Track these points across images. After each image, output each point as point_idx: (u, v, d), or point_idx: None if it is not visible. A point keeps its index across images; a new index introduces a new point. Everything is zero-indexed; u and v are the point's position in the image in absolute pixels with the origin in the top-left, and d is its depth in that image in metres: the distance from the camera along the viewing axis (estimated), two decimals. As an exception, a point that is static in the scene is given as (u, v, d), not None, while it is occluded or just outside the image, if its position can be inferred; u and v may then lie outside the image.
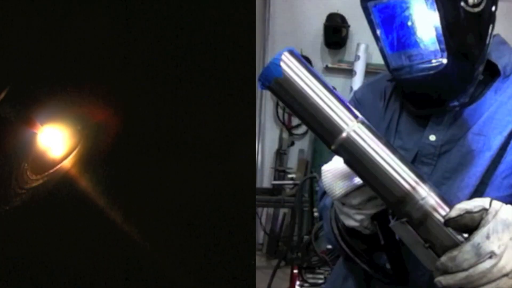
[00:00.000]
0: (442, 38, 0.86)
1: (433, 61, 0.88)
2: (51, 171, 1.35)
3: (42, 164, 1.37)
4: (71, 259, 1.28)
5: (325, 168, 0.80)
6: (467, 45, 0.87)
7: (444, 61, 0.87)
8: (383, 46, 0.93)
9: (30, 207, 1.32)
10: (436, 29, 0.86)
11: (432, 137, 0.93)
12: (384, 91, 1.04)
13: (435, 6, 0.84)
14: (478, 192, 0.87)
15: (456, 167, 0.90)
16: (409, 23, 0.89)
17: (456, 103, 0.91)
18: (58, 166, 1.34)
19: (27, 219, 1.32)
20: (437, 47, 0.87)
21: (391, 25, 0.90)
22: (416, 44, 0.90)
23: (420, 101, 0.96)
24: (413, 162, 0.93)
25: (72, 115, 1.35)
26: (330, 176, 0.79)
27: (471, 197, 0.85)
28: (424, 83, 0.91)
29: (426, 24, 0.87)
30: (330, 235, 0.93)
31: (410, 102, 0.98)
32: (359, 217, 0.81)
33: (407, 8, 0.88)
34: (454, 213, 0.66)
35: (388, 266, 0.85)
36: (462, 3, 0.83)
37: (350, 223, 0.83)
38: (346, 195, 0.79)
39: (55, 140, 1.37)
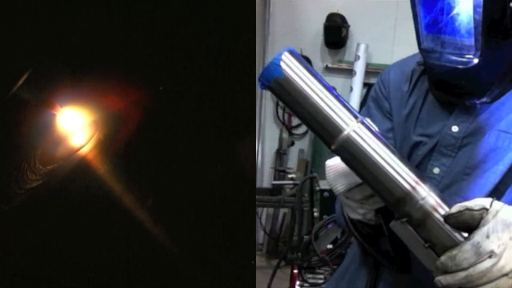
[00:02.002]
0: (479, 37, 0.80)
1: (465, 56, 0.84)
2: (67, 159, 1.35)
3: (57, 152, 1.37)
4: (81, 252, 1.29)
5: (329, 163, 0.80)
6: (504, 49, 0.82)
7: (476, 60, 0.82)
8: (419, 24, 0.89)
9: (42, 197, 1.33)
10: (476, 25, 0.80)
11: (455, 128, 0.90)
12: (411, 74, 1.00)
13: (481, 1, 0.78)
14: (497, 191, 0.84)
15: (478, 163, 0.87)
16: (451, 11, 0.84)
17: (476, 101, 0.88)
18: (74, 155, 1.35)
19: (42, 207, 1.33)
20: (473, 43, 0.82)
21: (432, 7, 0.86)
22: (452, 33, 0.85)
23: (444, 88, 0.93)
24: (432, 152, 0.91)
25: (90, 104, 1.35)
26: (333, 171, 0.79)
27: (489, 196, 0.81)
28: (449, 74, 0.88)
29: (467, 17, 0.82)
30: (341, 218, 0.93)
31: (435, 86, 0.94)
32: (362, 211, 0.82)
33: None
34: (454, 209, 0.66)
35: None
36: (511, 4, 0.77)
37: (354, 216, 0.84)
38: (349, 190, 0.79)
39: (73, 126, 1.36)
